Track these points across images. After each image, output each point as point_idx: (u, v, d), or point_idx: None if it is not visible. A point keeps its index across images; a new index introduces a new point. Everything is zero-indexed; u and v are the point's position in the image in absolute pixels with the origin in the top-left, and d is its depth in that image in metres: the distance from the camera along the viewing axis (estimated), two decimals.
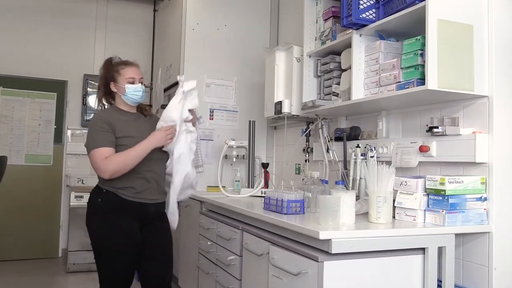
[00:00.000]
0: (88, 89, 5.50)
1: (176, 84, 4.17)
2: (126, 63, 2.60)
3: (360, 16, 2.46)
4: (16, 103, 5.30)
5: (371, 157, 2.63)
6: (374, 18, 2.47)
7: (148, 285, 2.55)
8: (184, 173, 2.56)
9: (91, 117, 5.46)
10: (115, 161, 2.38)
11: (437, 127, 2.24)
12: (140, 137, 2.47)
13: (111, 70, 2.57)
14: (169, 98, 4.52)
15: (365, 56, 2.56)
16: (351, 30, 2.59)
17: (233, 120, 4.19)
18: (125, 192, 2.43)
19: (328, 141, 3.12)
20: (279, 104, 3.31)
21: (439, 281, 2.04)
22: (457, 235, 2.07)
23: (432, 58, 2.04)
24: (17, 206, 5.21)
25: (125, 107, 2.60)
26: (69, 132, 5.51)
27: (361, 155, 2.69)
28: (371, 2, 2.47)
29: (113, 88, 2.56)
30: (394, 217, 2.21)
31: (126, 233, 2.44)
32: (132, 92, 2.54)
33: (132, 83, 2.54)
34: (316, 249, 1.90)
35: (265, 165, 3.67)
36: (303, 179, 2.66)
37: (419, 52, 2.17)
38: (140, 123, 2.59)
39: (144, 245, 2.50)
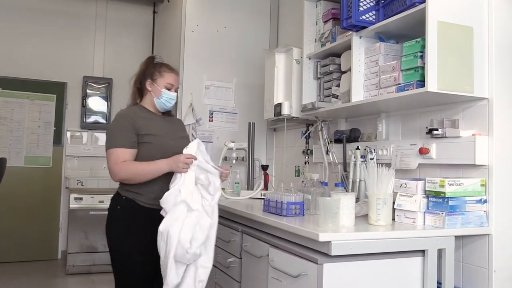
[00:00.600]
0: (88, 91, 5.50)
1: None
2: (170, 68, 2.57)
3: (360, 18, 2.46)
4: (15, 104, 5.30)
5: (371, 159, 2.63)
6: (374, 20, 2.47)
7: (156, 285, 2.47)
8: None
9: (90, 119, 5.50)
10: (127, 170, 2.32)
11: (437, 129, 2.24)
12: (164, 135, 2.43)
13: (152, 68, 2.53)
14: None
15: (365, 58, 2.56)
16: (351, 32, 2.59)
17: (232, 122, 4.18)
18: (143, 199, 2.36)
19: (328, 143, 3.12)
20: (278, 106, 3.31)
21: (439, 283, 2.04)
22: (457, 237, 2.07)
23: (432, 60, 2.04)
24: (16, 208, 5.20)
25: (152, 108, 2.53)
26: (68, 134, 5.51)
27: (361, 157, 2.69)
28: (371, 4, 2.47)
29: (148, 86, 2.50)
30: (393, 219, 2.21)
31: (145, 242, 2.33)
32: (166, 98, 2.48)
33: (169, 89, 2.50)
34: (315, 251, 1.89)
35: (264, 167, 3.67)
36: (302, 181, 2.66)
37: (419, 54, 2.17)
38: (164, 123, 2.53)
39: None
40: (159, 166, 2.32)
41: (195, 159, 2.29)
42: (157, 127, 2.45)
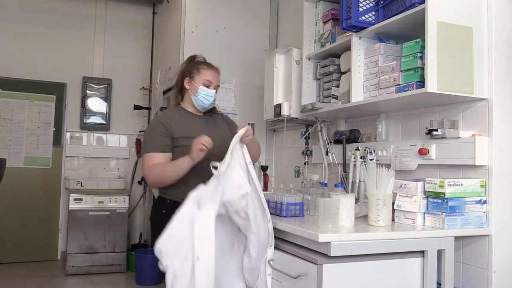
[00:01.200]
0: (87, 91, 5.49)
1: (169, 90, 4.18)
2: (209, 65, 2.51)
3: (360, 18, 2.46)
4: (15, 105, 5.29)
5: (371, 160, 2.62)
6: (373, 21, 2.47)
7: None
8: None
9: (90, 119, 5.50)
10: (154, 173, 2.29)
11: (436, 130, 2.24)
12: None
13: (191, 66, 2.48)
14: (168, 100, 4.52)
15: (364, 59, 2.56)
16: (350, 33, 2.59)
17: None
18: None
19: (328, 144, 3.12)
20: (278, 106, 3.31)
21: (439, 284, 2.04)
22: (456, 238, 2.07)
23: (432, 61, 2.04)
24: (16, 209, 5.20)
25: (191, 108, 2.48)
26: (68, 135, 5.50)
27: (361, 158, 2.69)
28: (371, 4, 2.47)
29: (186, 84, 2.46)
30: (393, 220, 2.21)
31: None
32: (203, 95, 2.42)
33: (208, 86, 2.43)
34: (315, 252, 1.89)
35: (264, 168, 3.66)
36: (302, 182, 2.66)
37: (419, 54, 2.17)
38: (202, 123, 2.46)
39: None
40: (181, 160, 2.23)
41: (210, 146, 2.11)
42: (193, 129, 2.36)
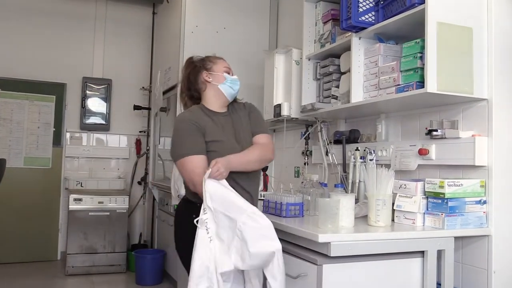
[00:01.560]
0: (87, 91, 5.49)
1: (173, 88, 4.18)
2: (218, 57, 2.37)
3: (360, 19, 2.46)
4: (15, 105, 5.29)
5: (370, 160, 2.62)
6: (373, 21, 2.47)
7: None
8: None
9: (90, 120, 5.49)
10: None
11: (436, 130, 2.24)
12: (230, 139, 2.19)
13: (199, 62, 2.32)
14: (168, 101, 4.52)
15: (364, 59, 2.56)
16: (350, 33, 2.59)
17: None
18: None
19: (327, 144, 3.12)
20: (278, 107, 3.31)
21: (438, 284, 2.04)
22: (456, 238, 2.07)
23: (432, 61, 2.04)
24: (15, 209, 5.20)
25: (215, 105, 2.29)
26: (68, 135, 5.50)
27: (360, 158, 2.69)
28: (371, 5, 2.47)
29: (207, 77, 2.27)
30: (393, 220, 2.21)
31: None
32: (230, 81, 2.29)
33: (228, 73, 2.31)
34: (315, 252, 1.89)
35: (264, 168, 3.66)
36: (302, 182, 2.66)
37: (419, 55, 2.17)
38: (228, 121, 2.28)
39: None
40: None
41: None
42: (221, 131, 2.21)
